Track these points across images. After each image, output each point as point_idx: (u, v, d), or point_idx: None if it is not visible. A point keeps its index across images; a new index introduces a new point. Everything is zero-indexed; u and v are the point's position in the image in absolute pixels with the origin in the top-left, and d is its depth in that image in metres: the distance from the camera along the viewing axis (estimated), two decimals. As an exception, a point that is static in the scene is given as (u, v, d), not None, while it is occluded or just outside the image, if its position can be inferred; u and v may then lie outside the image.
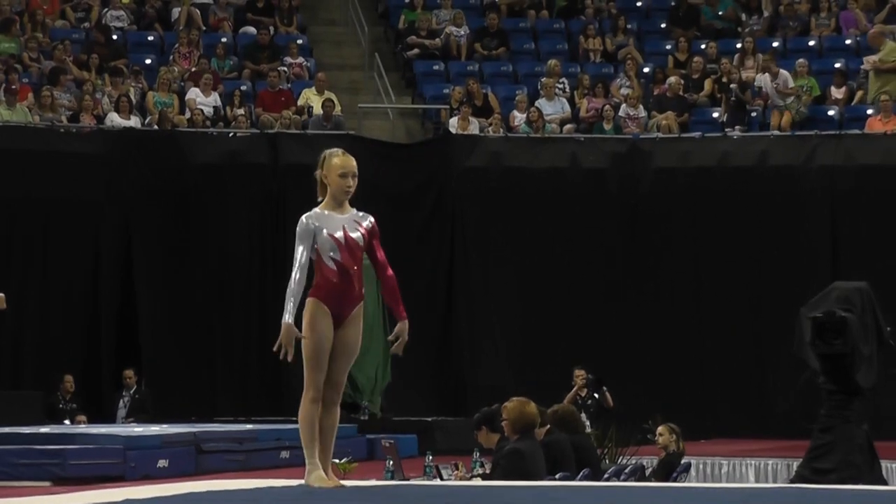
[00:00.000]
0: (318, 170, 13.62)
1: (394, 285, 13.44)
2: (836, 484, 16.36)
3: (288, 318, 13.12)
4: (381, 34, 35.29)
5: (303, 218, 13.29)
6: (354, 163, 13.47)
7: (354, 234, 13.24)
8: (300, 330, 13.26)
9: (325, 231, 13.15)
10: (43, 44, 33.00)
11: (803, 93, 32.38)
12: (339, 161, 13.41)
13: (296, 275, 13.14)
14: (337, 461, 22.65)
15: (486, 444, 18.70)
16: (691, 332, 28.13)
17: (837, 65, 33.71)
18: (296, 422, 26.83)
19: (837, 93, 32.80)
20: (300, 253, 13.21)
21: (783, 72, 32.84)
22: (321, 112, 32.19)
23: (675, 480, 20.15)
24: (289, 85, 33.08)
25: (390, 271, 13.37)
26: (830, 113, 32.48)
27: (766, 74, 32.74)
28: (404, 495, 14.64)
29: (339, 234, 13.16)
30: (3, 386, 27.34)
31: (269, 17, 34.96)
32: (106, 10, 34.55)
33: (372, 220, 13.43)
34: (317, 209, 13.37)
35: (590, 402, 23.17)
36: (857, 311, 18.73)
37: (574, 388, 23.03)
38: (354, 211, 13.44)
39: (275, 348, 13.33)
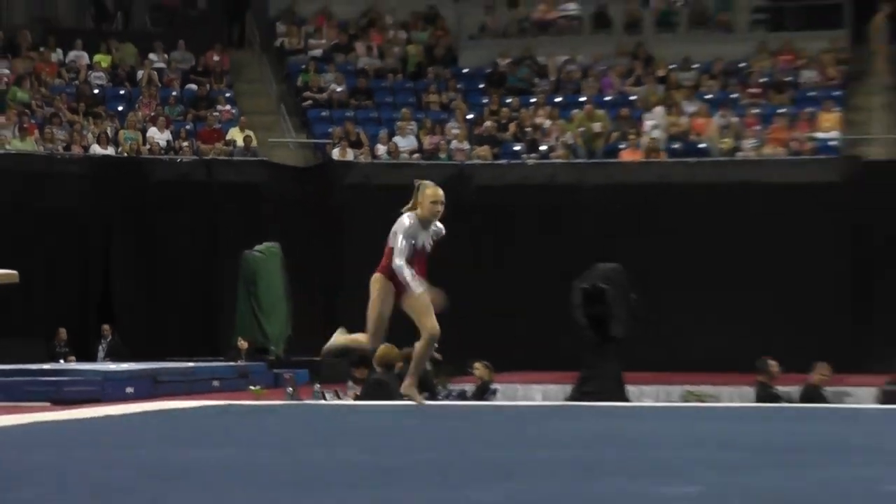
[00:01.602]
0: (415, 192, 13.15)
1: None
2: (594, 401, 16.76)
3: (414, 287, 12.87)
4: (285, 90, 35.28)
5: (406, 219, 12.93)
6: (442, 192, 13.12)
7: (428, 246, 13.02)
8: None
9: (410, 240, 12.75)
10: (45, 95, 33.12)
11: (578, 133, 32.62)
12: (431, 192, 13.00)
13: (402, 256, 12.75)
14: (252, 388, 23.07)
15: (360, 376, 18.96)
16: (502, 296, 28.39)
17: (601, 112, 33.54)
18: (222, 360, 27.15)
19: (654, 139, 32.74)
20: (400, 243, 12.79)
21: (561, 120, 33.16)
22: (243, 144, 32.48)
23: (486, 400, 20.55)
24: (220, 125, 33.17)
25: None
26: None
27: (551, 120, 33.06)
28: (303, 411, 15.01)
29: (419, 246, 12.88)
30: (15, 335, 27.37)
31: (207, 78, 35.01)
32: (90, 72, 34.70)
33: (442, 230, 13.22)
34: (414, 221, 12.91)
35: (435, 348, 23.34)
36: (613, 284, 19.13)
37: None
38: (436, 225, 13.17)
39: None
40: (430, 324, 13.03)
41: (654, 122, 32.74)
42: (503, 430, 11.54)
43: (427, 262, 12.93)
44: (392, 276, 12.80)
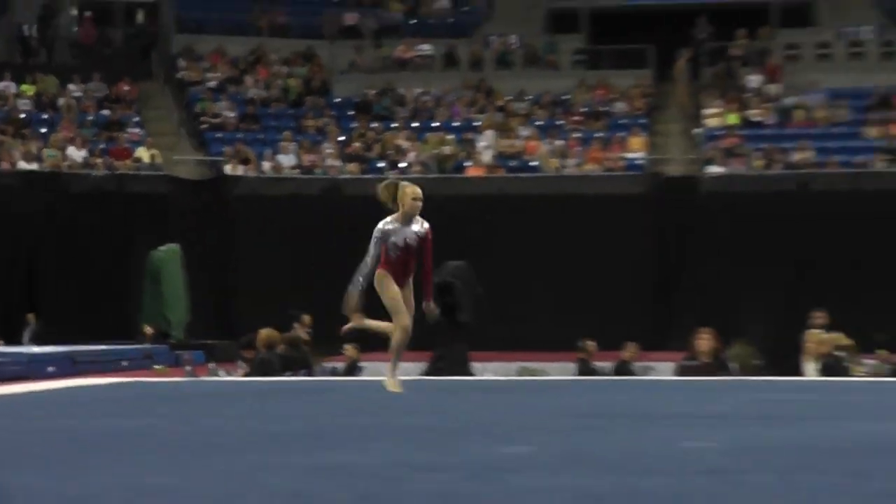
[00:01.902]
0: (392, 192, 12.53)
1: (427, 277, 12.45)
2: (444, 376, 16.82)
3: (352, 289, 12.29)
4: (185, 115, 35.01)
5: (380, 225, 12.36)
6: (420, 190, 12.43)
7: (412, 242, 12.17)
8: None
9: (392, 238, 12.16)
10: (-19, 120, 32.90)
11: (431, 153, 32.72)
12: (410, 190, 12.34)
13: (368, 262, 12.20)
14: (156, 367, 22.89)
15: (248, 356, 18.92)
16: (370, 287, 28.38)
17: (450, 136, 33.79)
18: (131, 343, 26.84)
19: (483, 158, 32.91)
20: (372, 250, 12.22)
21: (417, 142, 33.27)
22: (149, 161, 32.25)
23: (354, 376, 20.57)
24: (129, 145, 32.86)
25: (427, 266, 12.40)
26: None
27: (409, 142, 33.16)
28: (200, 386, 14.96)
29: (401, 242, 12.18)
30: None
31: (118, 105, 34.71)
32: (18, 99, 34.31)
33: (427, 228, 12.37)
34: (393, 221, 12.31)
35: (309, 332, 23.23)
36: (461, 278, 19.19)
37: (300, 328, 23.04)
38: (420, 223, 12.38)
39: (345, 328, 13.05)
40: (399, 317, 12.17)
41: (486, 144, 32.94)
42: (367, 401, 11.56)
43: (415, 256, 12.30)
44: (389, 269, 12.20)
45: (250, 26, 37.63)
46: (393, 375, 12.18)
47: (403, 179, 12.87)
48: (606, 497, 4.85)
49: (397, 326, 12.12)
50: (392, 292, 12.08)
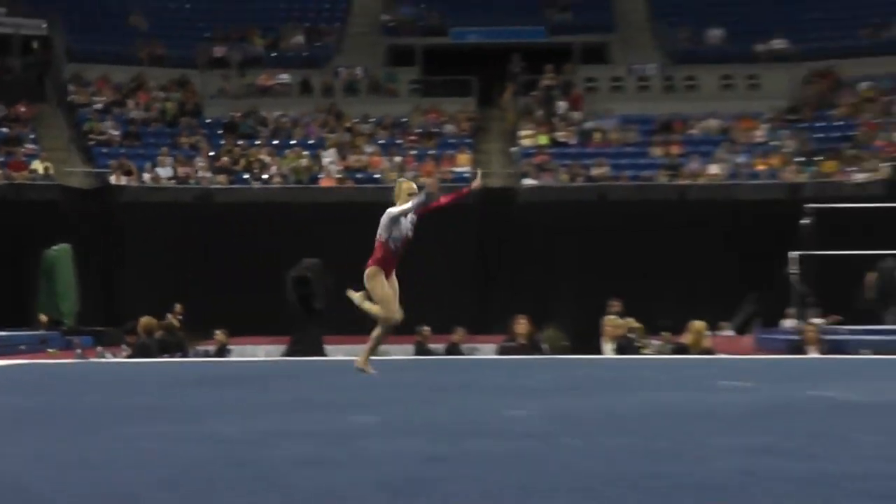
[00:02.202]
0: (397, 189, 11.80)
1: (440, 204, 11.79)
2: (301, 357, 16.75)
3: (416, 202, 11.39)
4: (75, 133, 34.41)
5: (391, 209, 11.63)
6: (415, 185, 11.85)
7: (410, 232, 11.83)
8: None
9: (395, 232, 11.65)
10: None
11: (289, 166, 32.63)
12: (406, 185, 11.82)
13: (409, 207, 11.39)
14: (50, 350, 22.46)
15: (131, 341, 18.70)
16: (237, 280, 28.22)
17: (305, 152, 33.61)
18: (28, 330, 26.26)
19: (329, 171, 32.96)
20: (401, 212, 11.49)
21: (278, 157, 33.14)
22: (43, 172, 31.61)
23: (224, 357, 20.43)
24: (25, 158, 32.21)
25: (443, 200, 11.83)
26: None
27: (270, 157, 33.00)
28: (88, 367, 14.76)
29: (404, 233, 11.76)
30: None
31: (16, 123, 34.02)
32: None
33: (414, 215, 11.68)
34: (396, 211, 11.56)
35: (179, 319, 23.00)
36: (315, 273, 19.14)
37: (173, 316, 22.78)
38: (413, 216, 11.77)
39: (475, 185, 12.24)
40: (386, 310, 11.61)
41: (330, 159, 32.97)
42: (234, 378, 11.50)
43: (406, 248, 11.89)
44: (382, 264, 11.70)
45: (132, 56, 37.08)
46: (366, 358, 11.68)
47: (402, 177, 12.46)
48: (443, 458, 4.89)
49: (383, 320, 11.68)
50: (384, 290, 11.68)
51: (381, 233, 11.75)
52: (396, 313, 11.67)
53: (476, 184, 12.35)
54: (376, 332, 11.66)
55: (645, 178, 32.20)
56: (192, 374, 12.38)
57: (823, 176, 31.75)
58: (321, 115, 35.68)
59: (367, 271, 11.65)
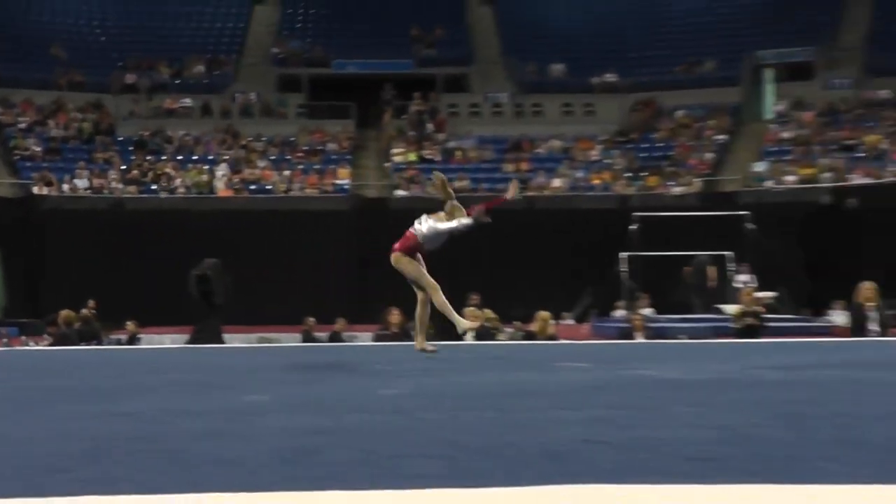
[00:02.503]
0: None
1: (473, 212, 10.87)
2: (202, 344, 16.50)
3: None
4: (3, 149, 33.67)
5: (442, 226, 11.01)
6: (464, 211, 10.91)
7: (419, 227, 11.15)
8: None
9: (435, 240, 11.11)
10: None
11: (192, 179, 32.29)
12: (460, 212, 11.18)
13: (455, 227, 10.76)
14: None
15: (52, 332, 18.38)
16: (150, 278, 27.81)
17: (206, 167, 33.32)
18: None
19: (220, 183, 32.67)
20: (448, 230, 10.84)
21: (182, 171, 32.74)
22: (-26, 183, 31.10)
23: (135, 344, 20.15)
24: (-41, 171, 31.67)
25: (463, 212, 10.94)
26: (218, 185, 32.45)
27: (175, 171, 32.58)
28: (14, 354, 14.45)
29: (434, 243, 11.26)
30: None
31: (-51, 140, 33.37)
32: None
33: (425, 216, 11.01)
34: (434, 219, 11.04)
35: (93, 313, 22.61)
36: (215, 271, 18.87)
37: (87, 310, 22.39)
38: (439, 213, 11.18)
39: (509, 195, 11.37)
40: (429, 282, 11.07)
41: (223, 172, 32.69)
42: (143, 363, 11.34)
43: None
44: (408, 252, 11.12)
45: (53, 82, 36.39)
46: (422, 340, 11.32)
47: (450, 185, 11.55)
48: (325, 430, 4.88)
49: (435, 298, 11.16)
50: (421, 273, 11.18)
51: (419, 230, 11.21)
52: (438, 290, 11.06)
53: (511, 193, 11.67)
54: (420, 311, 11.21)
55: (499, 190, 32.40)
56: (107, 360, 12.17)
57: (647, 189, 32.29)
58: (220, 134, 35.41)
59: (397, 256, 11.19)
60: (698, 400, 6.28)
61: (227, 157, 33.70)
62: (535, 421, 5.24)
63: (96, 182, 32.27)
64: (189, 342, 18.81)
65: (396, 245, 11.20)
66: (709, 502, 3.08)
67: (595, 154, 34.60)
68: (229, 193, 32.10)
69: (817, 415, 5.37)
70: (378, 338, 18.42)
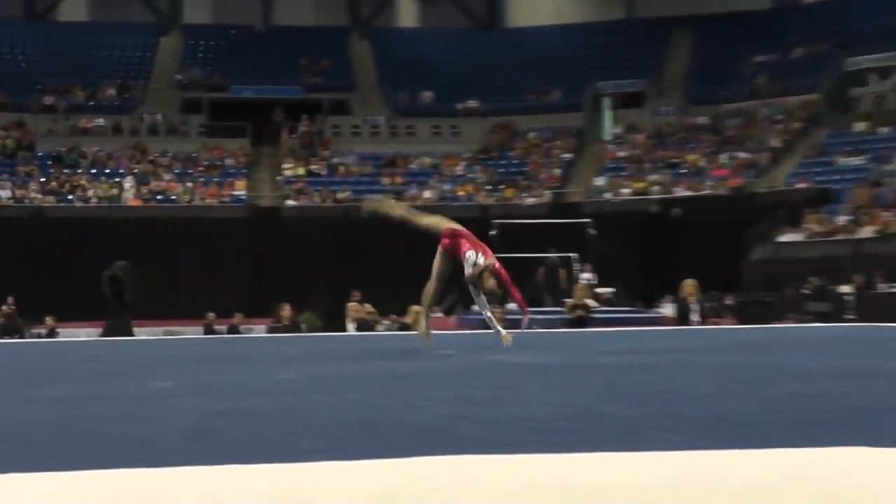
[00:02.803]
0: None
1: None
2: (114, 337, 16.11)
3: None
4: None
5: (481, 263, 9.19)
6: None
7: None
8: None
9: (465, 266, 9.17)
10: None
11: (105, 190, 31.62)
12: (491, 283, 9.25)
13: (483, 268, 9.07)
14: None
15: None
16: (64, 279, 27.08)
17: (117, 180, 32.64)
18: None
19: (129, 193, 32.03)
20: (477, 268, 9.11)
21: (96, 183, 32.01)
22: None
23: (53, 338, 19.61)
24: None
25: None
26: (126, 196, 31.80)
27: (88, 182, 31.84)
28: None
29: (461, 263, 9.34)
30: None
31: None
32: None
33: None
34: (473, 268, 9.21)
35: (12, 309, 21.95)
36: (125, 272, 18.49)
37: (7, 306, 21.71)
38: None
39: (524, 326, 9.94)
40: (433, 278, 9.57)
41: (130, 184, 32.10)
42: (61, 354, 11.07)
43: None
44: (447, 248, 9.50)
45: (-21, 103, 35.37)
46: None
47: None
48: (225, 412, 4.82)
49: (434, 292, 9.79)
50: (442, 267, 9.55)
51: (471, 259, 9.31)
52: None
53: (524, 324, 10.10)
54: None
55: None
56: (29, 352, 11.85)
57: (505, 200, 32.61)
58: (129, 150, 34.74)
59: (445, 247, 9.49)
60: (550, 382, 6.35)
61: (135, 171, 33.06)
62: (410, 401, 5.25)
63: (18, 193, 31.34)
64: (102, 335, 18.41)
65: (446, 241, 9.60)
66: (560, 468, 3.11)
67: (460, 169, 34.81)
68: (138, 203, 31.50)
69: (650, 393, 5.47)
70: (271, 330, 18.28)
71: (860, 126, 32.51)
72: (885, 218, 25.75)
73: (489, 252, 9.34)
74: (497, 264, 9.20)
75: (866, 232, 25.57)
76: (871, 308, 20.09)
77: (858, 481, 2.87)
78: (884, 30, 35.17)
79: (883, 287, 22.41)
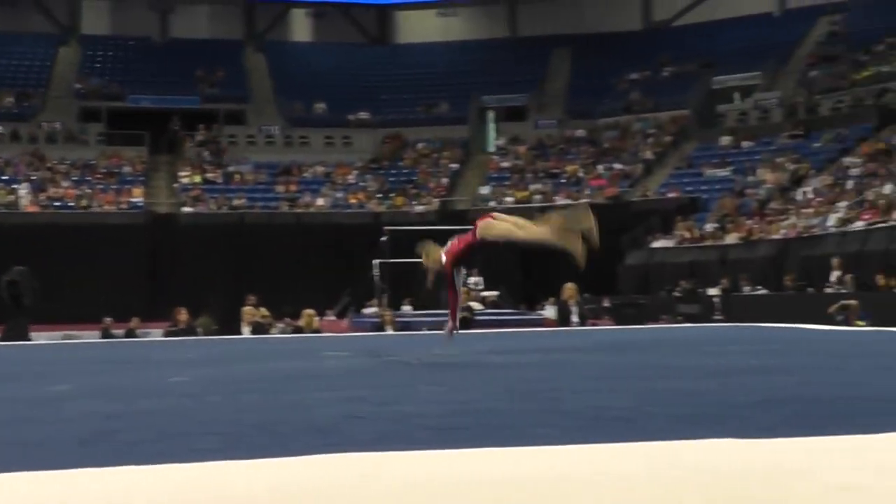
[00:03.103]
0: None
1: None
2: (12, 341, 15.57)
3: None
4: None
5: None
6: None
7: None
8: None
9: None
10: None
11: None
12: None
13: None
14: None
15: None
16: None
17: (15, 186, 31.65)
18: None
19: (25, 200, 31.12)
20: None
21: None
22: None
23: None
24: None
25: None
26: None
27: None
28: None
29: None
30: None
31: None
32: None
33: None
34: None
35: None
36: (24, 277, 17.93)
37: None
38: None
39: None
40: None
41: (26, 190, 31.25)
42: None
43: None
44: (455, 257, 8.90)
45: None
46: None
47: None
48: (122, 414, 4.69)
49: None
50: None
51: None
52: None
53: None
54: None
55: (272, 207, 32.20)
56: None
57: (395, 207, 32.64)
58: (28, 157, 33.78)
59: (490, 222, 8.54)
60: (438, 380, 6.35)
61: (33, 178, 32.13)
62: (303, 401, 5.18)
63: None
64: (1, 339, 17.79)
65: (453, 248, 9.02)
66: (448, 464, 3.09)
67: (352, 178, 34.70)
68: (36, 209, 30.60)
69: (532, 390, 5.50)
70: (168, 333, 17.90)
71: (725, 140, 33.45)
72: (749, 226, 26.51)
73: (455, 245, 8.87)
74: (445, 258, 8.80)
75: (732, 238, 26.27)
76: (736, 309, 20.64)
77: (728, 470, 2.93)
78: (745, 52, 36.30)
79: (747, 290, 23.05)
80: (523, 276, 27.19)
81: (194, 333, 17.61)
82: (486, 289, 23.93)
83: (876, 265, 19.84)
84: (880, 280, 19.08)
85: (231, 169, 34.30)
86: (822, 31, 36.86)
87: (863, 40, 34.11)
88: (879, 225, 21.89)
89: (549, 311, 21.63)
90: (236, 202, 31.84)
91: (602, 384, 5.81)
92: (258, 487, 2.82)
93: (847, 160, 28.20)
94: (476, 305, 19.58)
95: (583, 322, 16.60)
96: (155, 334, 20.23)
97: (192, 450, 3.55)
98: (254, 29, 41.56)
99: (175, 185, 33.37)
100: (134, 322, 20.66)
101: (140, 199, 32.28)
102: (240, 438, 3.83)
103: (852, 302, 17.53)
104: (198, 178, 33.50)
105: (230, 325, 19.51)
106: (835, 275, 19.99)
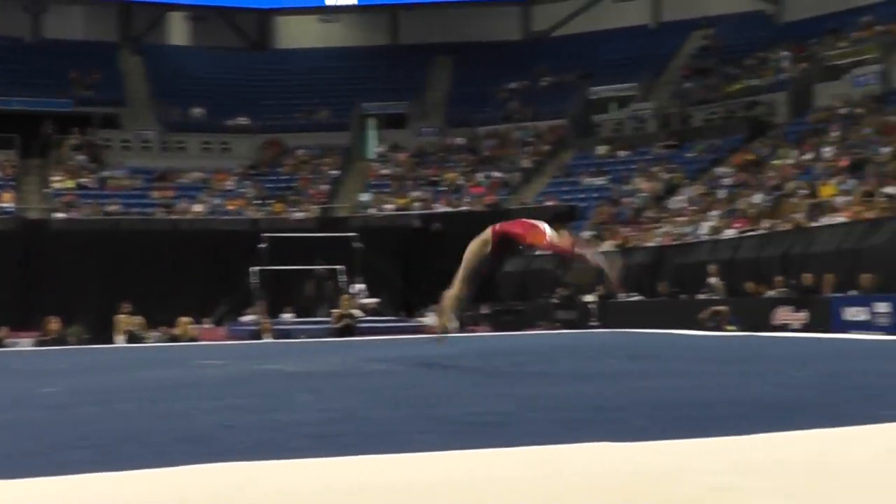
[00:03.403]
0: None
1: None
2: None
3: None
4: None
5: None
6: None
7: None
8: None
9: None
10: None
11: None
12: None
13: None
14: None
15: None
16: None
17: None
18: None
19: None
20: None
21: None
22: None
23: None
24: None
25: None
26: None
27: None
28: None
29: None
30: None
31: None
32: None
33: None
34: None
35: None
36: None
37: None
38: None
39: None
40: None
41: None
42: None
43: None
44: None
45: None
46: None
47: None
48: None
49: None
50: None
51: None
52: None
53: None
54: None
55: (147, 213, 31.54)
56: None
57: (274, 214, 32.32)
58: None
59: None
60: (316, 387, 6.31)
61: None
62: (178, 410, 5.08)
63: None
64: None
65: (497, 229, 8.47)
66: (324, 472, 3.07)
67: (230, 184, 34.22)
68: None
69: (411, 396, 5.51)
70: (38, 343, 17.36)
71: (602, 149, 34.12)
72: (625, 233, 27.09)
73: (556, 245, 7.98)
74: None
75: (608, 246, 26.81)
76: (612, 315, 21.05)
77: (604, 472, 2.98)
78: (622, 64, 37.16)
79: (622, 296, 23.54)
80: (403, 283, 27.24)
81: (65, 343, 17.11)
82: (369, 296, 23.92)
83: (747, 272, 20.49)
84: (750, 286, 19.70)
85: (105, 174, 33.45)
86: (695, 45, 37.96)
87: (734, 54, 35.26)
88: (750, 233, 22.63)
89: (429, 319, 21.70)
90: (111, 208, 31.07)
91: (479, 390, 5.86)
92: (132, 499, 2.75)
93: (719, 170, 29.07)
94: (357, 312, 19.53)
95: (462, 329, 16.69)
96: (24, 344, 19.57)
97: (62, 463, 3.44)
98: (129, 31, 40.65)
99: (46, 191, 32.39)
100: (2, 332, 19.95)
101: (10, 205, 31.19)
102: (111, 449, 3.73)
103: (723, 308, 18.08)
104: (71, 184, 32.56)
105: (104, 333, 19.03)
106: (712, 280, 20.59)
